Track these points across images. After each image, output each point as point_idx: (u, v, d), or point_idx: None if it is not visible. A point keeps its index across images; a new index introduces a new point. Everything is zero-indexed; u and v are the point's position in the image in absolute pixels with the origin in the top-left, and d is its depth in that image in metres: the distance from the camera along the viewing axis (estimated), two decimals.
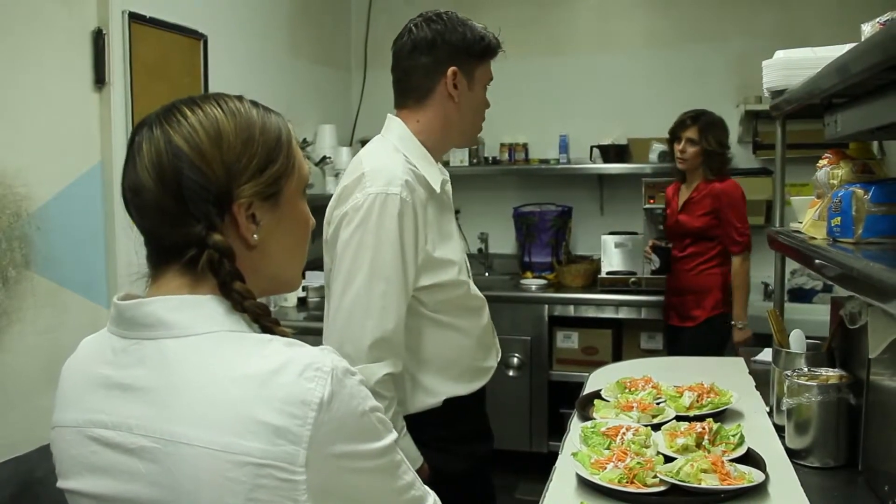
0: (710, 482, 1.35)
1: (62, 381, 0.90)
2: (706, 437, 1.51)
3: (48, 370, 1.92)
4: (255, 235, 0.86)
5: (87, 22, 2.46)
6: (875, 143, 1.98)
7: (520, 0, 4.26)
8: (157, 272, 0.87)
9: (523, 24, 4.22)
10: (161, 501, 0.79)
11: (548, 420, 3.78)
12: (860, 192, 1.36)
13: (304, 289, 3.60)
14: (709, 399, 1.77)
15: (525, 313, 3.81)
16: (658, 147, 3.85)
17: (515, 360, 3.76)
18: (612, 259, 3.88)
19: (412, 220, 1.53)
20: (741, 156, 3.88)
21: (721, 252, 3.21)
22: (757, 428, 1.71)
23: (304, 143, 3.83)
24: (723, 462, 1.40)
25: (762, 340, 2.54)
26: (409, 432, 1.56)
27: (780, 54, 1.96)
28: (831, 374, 1.59)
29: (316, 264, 1.66)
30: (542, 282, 3.99)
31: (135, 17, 2.62)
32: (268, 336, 0.84)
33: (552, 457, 1.65)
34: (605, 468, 1.41)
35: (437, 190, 1.61)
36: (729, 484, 1.35)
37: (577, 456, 1.49)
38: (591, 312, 3.78)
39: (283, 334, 0.85)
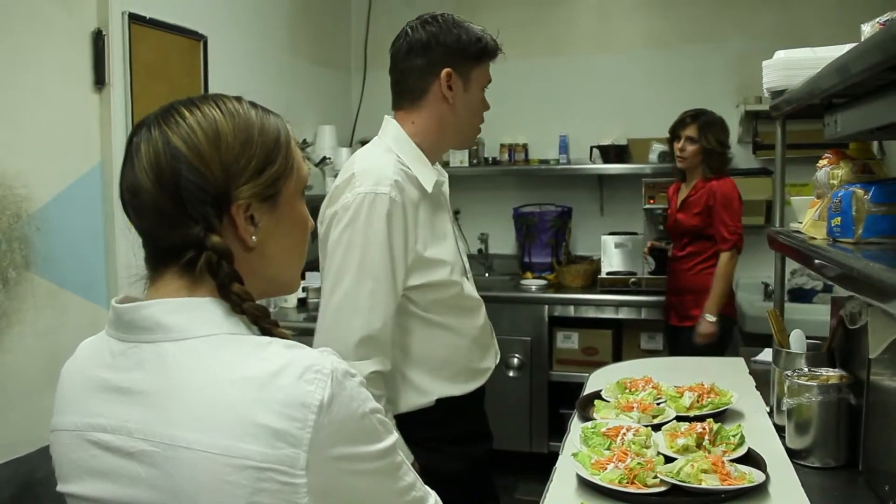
0: (710, 482, 1.35)
1: (61, 385, 0.90)
2: (706, 437, 1.50)
3: (48, 371, 1.92)
4: (253, 237, 0.86)
5: (87, 23, 2.46)
6: (875, 143, 1.98)
7: (520, 0, 4.26)
8: (155, 274, 0.87)
9: (523, 24, 4.22)
10: None
11: (548, 420, 3.78)
12: (860, 192, 1.36)
13: (303, 290, 3.60)
14: (709, 399, 1.77)
15: (525, 314, 3.81)
16: (658, 147, 3.85)
17: (515, 360, 3.76)
18: (612, 259, 3.88)
19: (401, 220, 1.54)
20: (741, 156, 3.88)
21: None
22: (757, 428, 1.71)
23: (304, 144, 3.82)
24: (723, 462, 1.40)
25: (762, 340, 2.54)
26: (400, 431, 1.56)
27: (779, 54, 1.96)
28: (831, 375, 1.59)
29: (315, 265, 1.66)
30: (542, 282, 3.99)
31: (134, 18, 2.62)
32: (267, 338, 0.83)
33: (552, 457, 1.64)
34: (606, 469, 1.41)
35: (429, 190, 1.61)
36: (729, 484, 1.35)
37: (577, 456, 1.49)
38: (591, 313, 3.78)
39: (283, 336, 0.85)
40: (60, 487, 0.88)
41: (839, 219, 1.42)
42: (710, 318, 3.14)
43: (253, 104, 0.90)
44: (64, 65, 2.37)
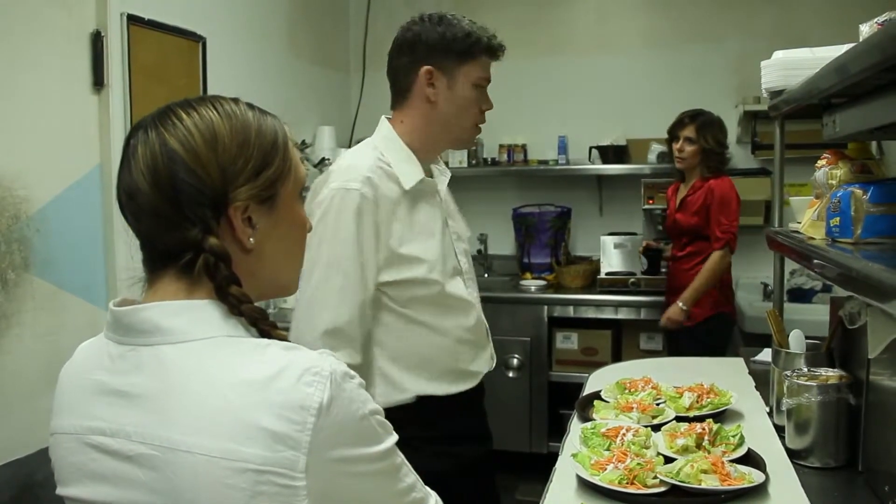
0: (710, 483, 1.35)
1: (59, 388, 0.90)
2: (706, 437, 1.50)
3: (48, 373, 1.92)
4: (251, 239, 0.86)
5: (86, 24, 2.46)
6: (874, 144, 1.98)
7: (520, 0, 4.26)
8: (153, 276, 0.87)
9: (523, 24, 4.22)
10: None
11: (548, 421, 3.78)
12: (859, 192, 1.36)
13: None
14: (709, 399, 1.77)
15: (524, 314, 3.81)
16: (657, 148, 3.85)
17: (515, 360, 3.76)
18: (612, 260, 3.88)
19: (372, 216, 1.55)
20: (740, 156, 3.88)
21: None
22: (757, 428, 1.71)
23: (303, 145, 3.82)
24: (723, 463, 1.40)
25: (762, 340, 2.54)
26: None
27: (778, 55, 1.96)
28: (831, 375, 1.59)
29: None
30: (542, 283, 3.99)
31: (133, 20, 2.62)
32: (265, 340, 0.83)
33: (552, 458, 1.64)
34: (605, 469, 1.41)
35: (406, 188, 1.61)
36: (729, 484, 1.35)
37: (577, 457, 1.49)
38: (590, 313, 3.78)
39: (281, 338, 0.84)
40: (60, 491, 0.87)
41: (838, 219, 1.42)
42: (682, 305, 3.15)
43: (250, 105, 0.90)
44: (63, 66, 2.37)
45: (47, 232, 2.27)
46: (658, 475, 1.38)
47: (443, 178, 1.74)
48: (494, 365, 1.79)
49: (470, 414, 1.75)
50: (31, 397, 2.14)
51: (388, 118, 1.70)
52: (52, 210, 2.29)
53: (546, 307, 3.81)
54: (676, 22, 4.08)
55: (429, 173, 1.70)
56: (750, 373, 2.21)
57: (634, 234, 3.93)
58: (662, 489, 1.36)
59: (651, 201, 3.87)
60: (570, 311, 3.81)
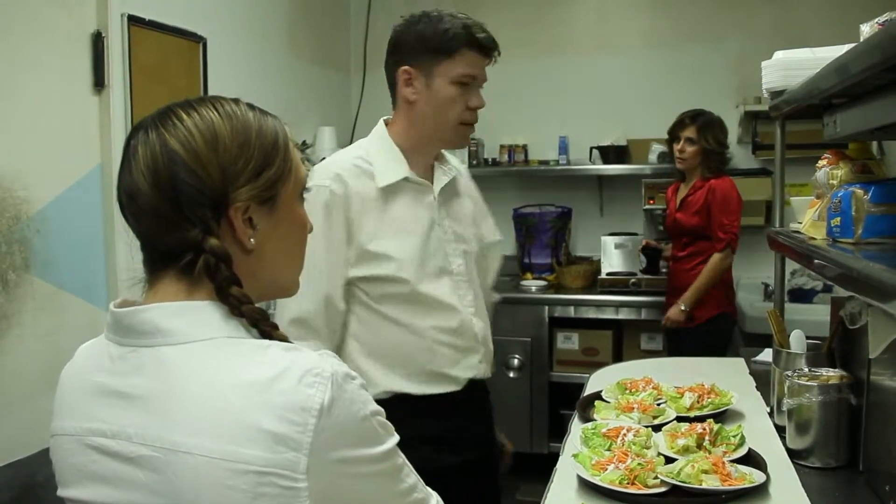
0: (711, 483, 1.34)
1: (60, 389, 0.90)
2: (707, 437, 1.50)
3: (48, 373, 1.92)
4: (251, 240, 0.86)
5: (87, 24, 2.45)
6: (874, 144, 1.98)
7: (520, 0, 4.26)
8: (153, 277, 0.86)
9: (523, 24, 4.22)
10: None
11: (548, 421, 3.78)
12: (860, 192, 1.36)
13: None
14: (709, 400, 1.76)
15: (525, 314, 3.81)
16: (657, 148, 3.85)
17: (516, 361, 3.76)
18: (612, 260, 3.88)
19: (342, 211, 1.57)
20: (741, 156, 3.88)
21: None
22: (758, 428, 1.70)
23: (304, 146, 3.82)
24: (724, 463, 1.40)
25: (762, 341, 2.54)
26: None
27: (779, 55, 1.96)
28: (832, 375, 1.59)
29: None
30: (542, 283, 3.99)
31: (134, 20, 2.61)
32: (266, 341, 0.83)
33: (553, 458, 1.64)
34: (606, 469, 1.41)
35: (379, 185, 1.61)
36: (730, 485, 1.34)
37: (577, 457, 1.49)
38: (591, 313, 3.79)
39: (282, 339, 0.84)
40: (61, 492, 0.87)
41: (839, 219, 1.42)
42: (683, 306, 3.17)
43: (251, 106, 0.90)
44: (63, 67, 2.37)
45: (48, 232, 2.27)
46: (659, 475, 1.38)
47: (443, 179, 1.70)
48: (490, 373, 1.75)
49: (447, 418, 1.67)
50: (31, 398, 2.14)
51: (386, 119, 1.71)
52: (52, 210, 2.29)
53: (547, 307, 3.81)
54: (677, 22, 4.08)
55: (427, 172, 1.69)
56: (751, 373, 2.21)
57: (635, 234, 3.93)
58: (663, 489, 1.36)
59: (652, 201, 3.87)
60: (571, 312, 3.82)
